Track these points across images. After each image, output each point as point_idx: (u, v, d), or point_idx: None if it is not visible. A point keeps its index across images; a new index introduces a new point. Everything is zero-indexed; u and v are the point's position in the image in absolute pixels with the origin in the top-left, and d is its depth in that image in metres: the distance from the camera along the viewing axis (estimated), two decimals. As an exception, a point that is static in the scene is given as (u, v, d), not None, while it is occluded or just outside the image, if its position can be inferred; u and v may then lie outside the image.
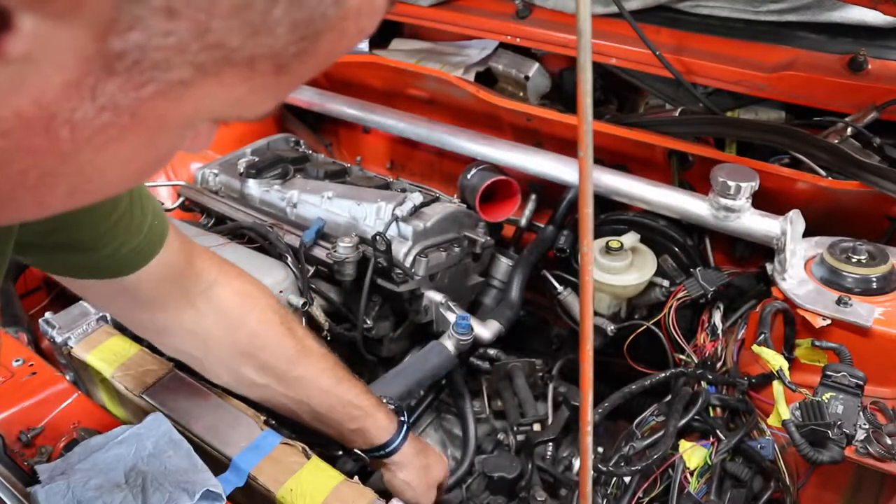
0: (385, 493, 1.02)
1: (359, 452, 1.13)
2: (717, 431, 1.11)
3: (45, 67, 0.35)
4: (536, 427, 1.31)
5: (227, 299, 1.00)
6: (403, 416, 1.15)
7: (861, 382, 1.02)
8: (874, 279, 1.13)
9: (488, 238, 1.53)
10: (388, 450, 1.11)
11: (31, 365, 1.17)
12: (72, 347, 1.20)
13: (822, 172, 1.36)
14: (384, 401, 1.14)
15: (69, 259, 0.83)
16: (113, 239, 0.81)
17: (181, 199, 1.67)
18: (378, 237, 1.34)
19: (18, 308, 1.51)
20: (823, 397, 1.02)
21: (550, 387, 1.42)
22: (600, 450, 1.26)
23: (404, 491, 1.14)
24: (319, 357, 1.07)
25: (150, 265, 0.87)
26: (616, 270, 1.35)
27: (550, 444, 1.27)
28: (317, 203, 1.53)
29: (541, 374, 1.46)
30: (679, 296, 1.31)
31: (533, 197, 1.71)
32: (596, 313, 1.44)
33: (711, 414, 1.17)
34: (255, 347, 1.02)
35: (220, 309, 1.00)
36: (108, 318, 1.27)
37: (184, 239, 0.94)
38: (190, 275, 0.95)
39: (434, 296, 1.41)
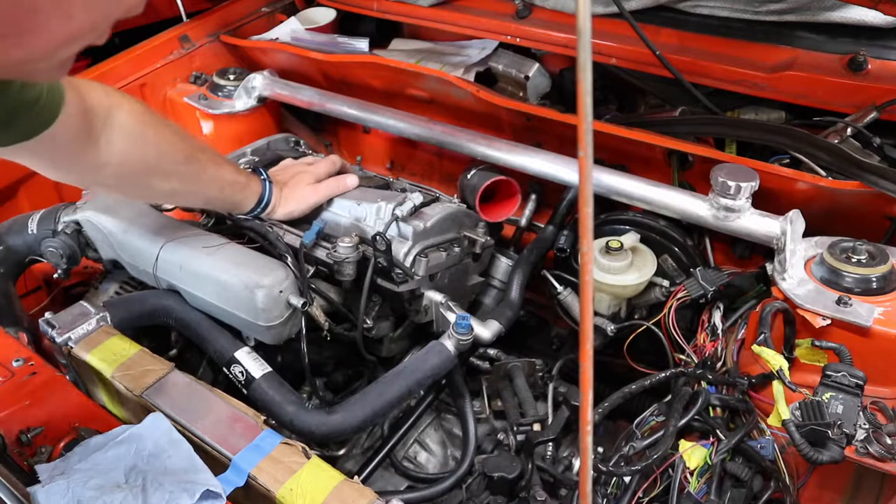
0: (385, 493, 1.02)
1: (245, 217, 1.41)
2: (717, 431, 1.11)
3: None
4: (536, 427, 1.31)
5: (125, 123, 1.14)
6: (258, 171, 1.42)
7: (861, 382, 1.02)
8: (874, 279, 1.13)
9: (488, 238, 1.53)
10: (265, 202, 1.39)
11: (31, 365, 1.17)
12: (72, 347, 1.20)
13: (822, 172, 1.35)
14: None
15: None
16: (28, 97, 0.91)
17: (181, 199, 1.67)
18: (378, 237, 1.34)
19: (18, 308, 1.51)
20: (823, 397, 1.02)
21: (550, 387, 1.42)
22: (600, 450, 1.26)
23: (299, 205, 1.44)
24: (202, 149, 1.29)
25: (60, 117, 0.98)
26: (616, 270, 1.35)
27: (550, 444, 1.27)
28: (317, 203, 1.53)
29: (541, 374, 1.46)
30: (679, 296, 1.31)
31: (533, 197, 1.71)
32: (596, 313, 1.44)
33: (711, 414, 1.17)
34: (157, 158, 1.20)
35: (122, 134, 1.13)
36: (108, 319, 1.27)
37: (70, 81, 1.03)
38: (90, 113, 1.07)
39: (434, 296, 1.41)
